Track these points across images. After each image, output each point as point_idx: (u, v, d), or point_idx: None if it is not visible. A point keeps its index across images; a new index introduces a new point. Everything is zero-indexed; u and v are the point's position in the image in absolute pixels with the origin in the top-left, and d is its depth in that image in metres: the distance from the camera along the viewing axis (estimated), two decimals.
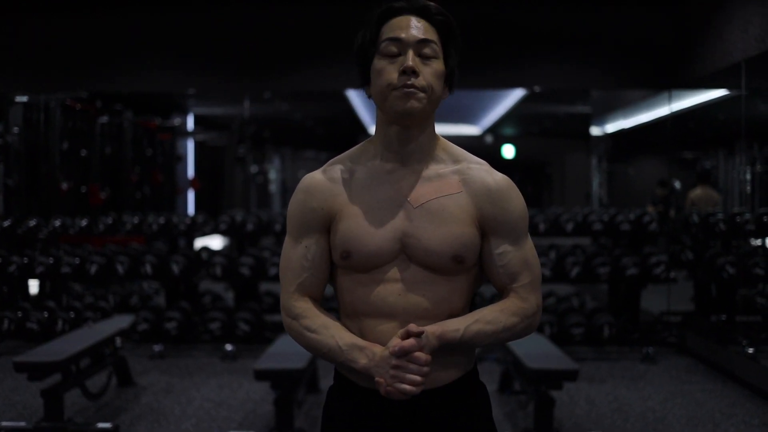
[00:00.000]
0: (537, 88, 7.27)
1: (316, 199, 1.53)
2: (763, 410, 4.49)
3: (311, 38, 6.81)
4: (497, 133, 13.60)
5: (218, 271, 6.08)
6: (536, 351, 4.10)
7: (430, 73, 1.44)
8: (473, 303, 1.58)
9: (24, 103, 7.46)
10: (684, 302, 6.79)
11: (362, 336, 1.48)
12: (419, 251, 1.46)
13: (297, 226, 1.55)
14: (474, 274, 1.54)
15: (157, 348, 5.79)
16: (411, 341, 1.38)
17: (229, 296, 7.45)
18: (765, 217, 5.96)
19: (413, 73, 1.42)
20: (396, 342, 1.39)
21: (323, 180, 1.54)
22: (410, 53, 1.43)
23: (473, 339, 1.45)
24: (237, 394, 4.81)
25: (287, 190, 15.35)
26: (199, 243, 7.27)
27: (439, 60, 1.46)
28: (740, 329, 5.79)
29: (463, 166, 1.53)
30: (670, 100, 6.69)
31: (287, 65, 6.98)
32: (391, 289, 1.47)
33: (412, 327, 1.40)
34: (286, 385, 3.81)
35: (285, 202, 14.96)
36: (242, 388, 4.94)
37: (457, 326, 1.44)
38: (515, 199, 1.52)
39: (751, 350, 5.21)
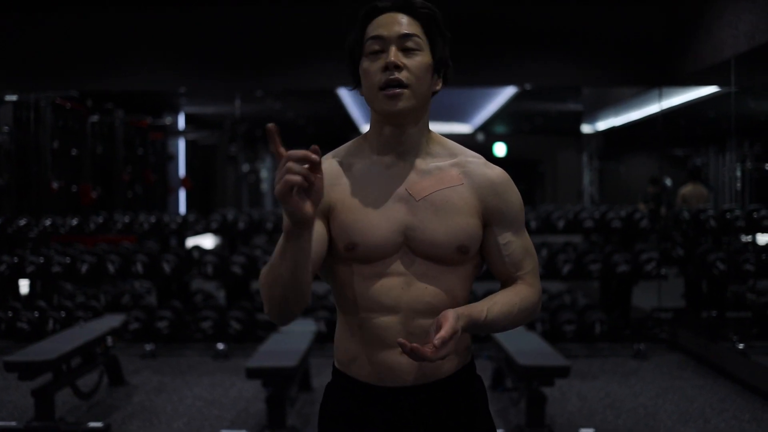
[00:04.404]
0: (528, 86, 7.28)
1: None
2: (753, 405, 4.51)
3: (302, 37, 6.80)
4: (488, 131, 13.63)
5: (210, 270, 6.06)
6: (528, 348, 4.11)
7: (414, 65, 1.45)
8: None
9: (14, 102, 7.43)
10: (675, 299, 6.82)
11: (364, 330, 1.48)
12: (424, 243, 1.47)
13: None
14: (474, 264, 1.56)
15: (148, 347, 5.78)
16: (447, 328, 1.32)
17: (221, 295, 7.44)
18: (755, 213, 5.99)
19: (396, 68, 1.43)
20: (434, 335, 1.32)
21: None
22: (392, 49, 1.44)
23: (495, 320, 1.46)
24: (229, 393, 4.81)
25: None
26: (191, 242, 7.26)
27: (425, 52, 1.47)
28: (731, 325, 5.81)
29: (461, 159, 1.55)
30: (660, 97, 6.71)
31: (279, 64, 6.96)
32: (394, 283, 1.47)
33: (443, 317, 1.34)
34: (278, 383, 3.81)
35: (277, 201, 14.95)
36: (234, 387, 4.93)
37: (481, 307, 1.44)
38: (514, 191, 1.56)
39: (741, 346, 5.24)
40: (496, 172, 1.55)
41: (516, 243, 1.55)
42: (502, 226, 1.53)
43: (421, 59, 1.46)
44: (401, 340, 1.28)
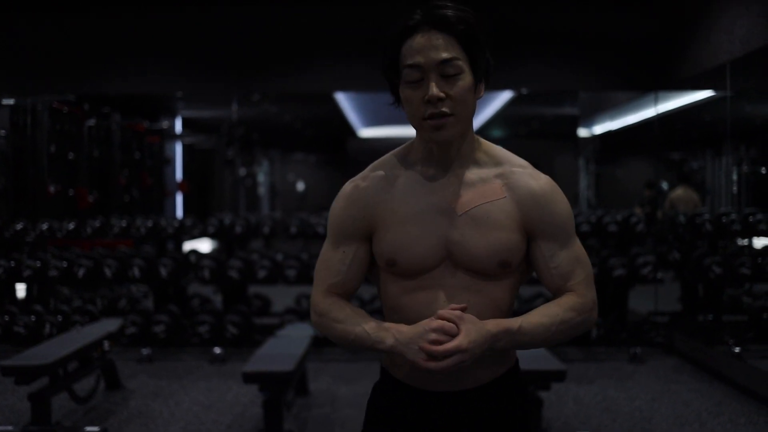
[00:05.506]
0: (524, 90, 7.29)
1: (357, 207, 1.53)
2: (749, 409, 4.52)
3: (300, 40, 6.81)
4: (485, 135, 13.53)
5: (207, 274, 6.06)
6: (524, 351, 4.10)
7: (457, 92, 1.41)
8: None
9: (11, 106, 7.41)
10: (671, 302, 6.83)
11: None
12: (465, 258, 1.47)
13: (336, 232, 1.56)
14: (519, 274, 1.54)
15: (145, 351, 5.77)
16: (453, 312, 1.39)
17: (218, 299, 7.43)
18: (751, 217, 6.00)
19: (439, 101, 1.40)
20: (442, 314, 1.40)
21: (364, 188, 1.54)
22: (432, 81, 1.40)
23: (532, 331, 1.44)
24: (226, 397, 4.80)
25: (276, 193, 15.32)
26: (188, 246, 7.25)
27: (466, 73, 1.42)
28: (727, 329, 5.82)
29: (506, 169, 1.53)
30: (656, 101, 6.73)
31: (276, 67, 6.98)
32: (436, 295, 1.48)
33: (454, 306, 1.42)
34: (275, 388, 3.81)
35: (273, 205, 14.94)
36: (231, 391, 4.93)
37: (515, 319, 1.44)
38: (560, 201, 1.52)
39: (737, 350, 5.25)
40: (540, 183, 1.52)
41: (563, 254, 1.51)
42: (547, 238, 1.50)
43: (462, 83, 1.42)
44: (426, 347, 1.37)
